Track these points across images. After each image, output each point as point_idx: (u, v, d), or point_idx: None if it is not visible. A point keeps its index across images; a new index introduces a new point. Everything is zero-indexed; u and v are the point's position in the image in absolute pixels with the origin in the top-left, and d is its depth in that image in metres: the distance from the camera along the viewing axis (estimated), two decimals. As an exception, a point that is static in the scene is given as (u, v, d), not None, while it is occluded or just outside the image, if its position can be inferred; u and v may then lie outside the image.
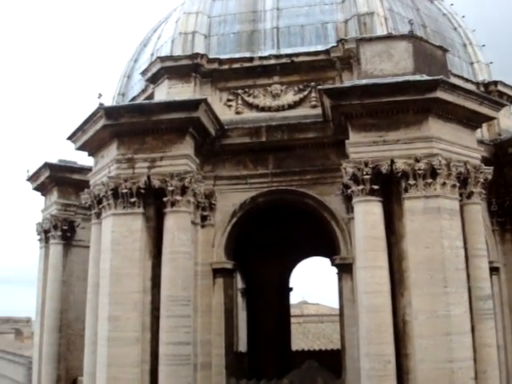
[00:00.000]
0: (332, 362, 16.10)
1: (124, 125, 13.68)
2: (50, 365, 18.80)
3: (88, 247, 16.00)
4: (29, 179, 21.07)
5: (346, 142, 13.16)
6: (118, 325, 13.12)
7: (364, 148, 12.89)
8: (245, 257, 19.27)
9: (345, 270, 14.28)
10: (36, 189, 21.10)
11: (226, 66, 15.76)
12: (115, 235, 13.65)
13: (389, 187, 12.84)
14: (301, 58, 15.59)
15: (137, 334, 13.05)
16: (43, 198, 21.21)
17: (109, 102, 17.87)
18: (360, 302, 12.57)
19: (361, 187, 12.65)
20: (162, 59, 15.60)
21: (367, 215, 12.69)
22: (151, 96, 16.47)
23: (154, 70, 15.91)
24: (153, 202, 13.78)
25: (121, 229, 13.65)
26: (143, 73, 16.81)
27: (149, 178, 13.56)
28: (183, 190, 13.41)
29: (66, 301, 19.08)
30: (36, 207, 20.95)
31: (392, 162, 12.49)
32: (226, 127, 14.85)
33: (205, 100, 13.60)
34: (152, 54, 18.08)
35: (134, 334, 13.04)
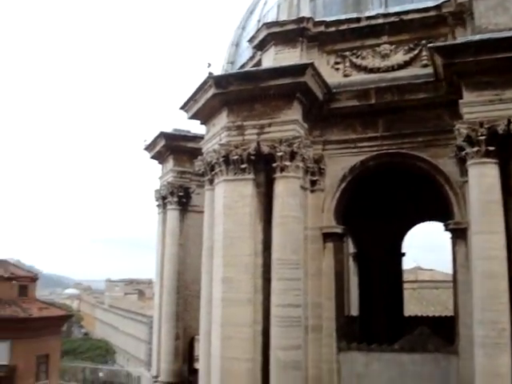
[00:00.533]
0: (445, 328, 15.75)
1: (233, 93, 13.95)
2: (169, 324, 19.93)
3: (202, 212, 16.62)
4: (146, 148, 22.14)
5: (460, 101, 12.60)
6: (231, 286, 13.63)
7: (479, 108, 12.30)
8: (355, 221, 19.16)
9: (459, 235, 13.80)
10: (153, 157, 22.14)
11: (332, 29, 15.50)
12: (227, 200, 14.10)
13: (505, 148, 12.22)
14: (410, 16, 14.97)
15: (249, 296, 13.49)
16: (160, 166, 22.24)
17: (218, 70, 18.21)
18: (474, 268, 12.17)
19: (475, 149, 12.14)
20: (268, 25, 15.63)
21: (482, 178, 12.17)
22: (259, 63, 16.60)
23: (260, 36, 15.99)
24: (262, 167, 14.02)
25: (232, 194, 14.07)
26: (250, 40, 16.94)
27: (258, 144, 13.80)
28: (292, 156, 13.52)
29: (183, 263, 20.06)
30: (154, 175, 21.94)
31: (509, 121, 11.85)
32: (333, 91, 14.70)
33: (311, 64, 13.53)
34: (259, 21, 18.12)
35: (247, 296, 13.49)
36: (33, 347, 31.37)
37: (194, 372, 19.51)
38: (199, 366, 15.76)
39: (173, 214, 20.30)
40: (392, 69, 14.97)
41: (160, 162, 22.11)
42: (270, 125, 13.87)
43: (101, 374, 37.66)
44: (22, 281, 34.29)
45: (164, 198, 20.83)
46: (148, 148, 21.93)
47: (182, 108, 16.25)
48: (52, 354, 33.58)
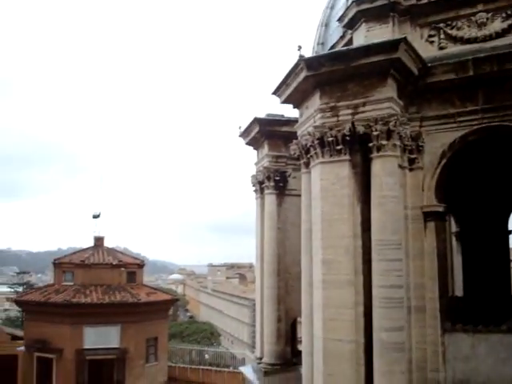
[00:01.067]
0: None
1: (325, 74, 13.82)
2: (270, 306, 20.23)
3: (299, 195, 16.67)
4: (241, 135, 22.45)
5: None
6: (332, 268, 13.63)
7: None
8: (457, 199, 18.56)
9: None
10: (248, 144, 22.42)
11: (424, 0, 14.98)
12: (324, 183, 14.06)
13: None
14: (508, -20, 14.20)
15: (349, 277, 13.44)
16: (255, 151, 22.50)
17: (309, 53, 18.10)
18: None
19: None
20: (358, 2, 15.31)
21: None
22: (350, 42, 16.33)
23: (350, 14, 15.71)
24: (358, 148, 13.83)
25: (329, 176, 14.01)
26: (340, 19, 16.69)
27: (353, 124, 13.64)
28: (388, 134, 13.25)
29: (282, 246, 20.25)
30: (249, 161, 22.27)
31: None
32: (429, 65, 14.21)
33: (404, 39, 13.14)
34: (347, -1, 17.85)
35: (347, 277, 13.45)
36: (142, 330, 32.82)
37: (297, 353, 19.74)
38: (302, 347, 15.92)
39: (270, 198, 20.51)
40: (490, 38, 14.26)
41: (255, 148, 22.36)
42: (364, 104, 13.65)
43: (206, 356, 38.85)
44: (130, 267, 35.86)
45: (261, 182, 21.07)
46: (243, 134, 22.23)
47: (274, 93, 16.31)
48: (160, 336, 35.00)
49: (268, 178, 20.42)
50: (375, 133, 13.25)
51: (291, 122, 18.65)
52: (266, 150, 20.83)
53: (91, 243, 38.43)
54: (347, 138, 13.65)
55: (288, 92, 15.49)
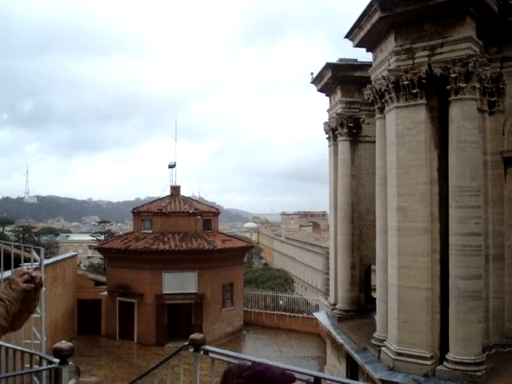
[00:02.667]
0: None
1: (400, 15, 13.30)
2: (344, 253, 20.25)
3: (373, 142, 16.38)
4: (313, 81, 22.09)
5: None
6: (407, 215, 13.42)
7: None
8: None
9: None
10: (320, 90, 22.06)
11: None
12: (399, 128, 13.72)
13: None
14: None
15: (426, 225, 13.21)
16: (327, 98, 22.13)
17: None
18: None
19: None
20: None
21: None
22: (427, -21, 15.58)
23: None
24: (435, 91, 13.34)
25: (404, 121, 13.64)
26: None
27: (429, 66, 13.13)
28: (467, 76, 12.68)
29: (355, 194, 20.08)
30: (321, 108, 21.97)
31: None
32: (510, 2, 13.41)
33: (486, -26, 12.42)
34: None
35: (423, 224, 13.22)
36: (218, 276, 33.59)
37: (371, 300, 19.80)
38: (376, 294, 15.92)
39: (344, 145, 20.24)
40: None
41: (327, 94, 21.99)
42: (441, 45, 13.07)
43: (281, 302, 39.52)
44: (206, 215, 36.51)
45: (334, 129, 20.80)
46: (315, 81, 21.87)
47: (346, 36, 15.88)
48: (236, 282, 35.79)
49: (341, 125, 20.11)
50: (453, 75, 12.71)
51: (364, 66, 18.17)
52: (338, 95, 20.45)
53: (166, 193, 39.40)
54: (423, 81, 13.18)
55: (361, 35, 15.04)
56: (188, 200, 38.46)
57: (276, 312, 37.66)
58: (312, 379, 4.07)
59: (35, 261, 10.18)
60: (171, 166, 39.34)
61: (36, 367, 5.55)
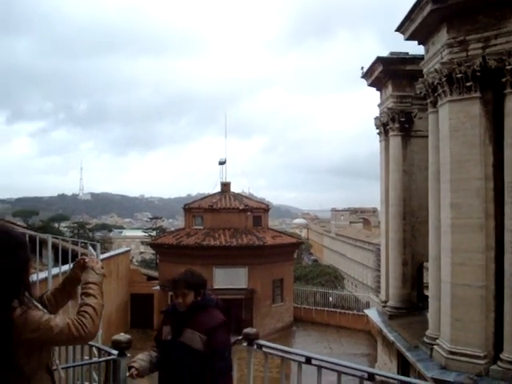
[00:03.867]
0: None
1: (452, 6, 13.00)
2: (396, 250, 19.98)
3: (426, 137, 16.08)
4: (363, 76, 21.85)
5: None
6: (461, 211, 13.13)
7: None
8: None
9: None
10: (371, 85, 21.80)
11: None
12: (453, 122, 13.42)
13: None
14: None
15: (480, 221, 12.89)
16: (378, 92, 21.86)
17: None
18: None
19: None
20: None
21: None
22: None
23: None
24: (489, 84, 12.99)
25: (458, 115, 13.34)
26: None
27: (484, 58, 12.79)
28: (523, 68, 12.30)
29: (407, 189, 19.76)
30: (370, 103, 21.74)
31: None
32: None
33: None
34: None
35: (478, 221, 12.91)
36: (268, 272, 33.66)
37: (423, 298, 19.49)
38: (428, 291, 15.65)
39: (395, 140, 19.95)
40: None
41: (378, 89, 21.72)
42: (495, 36, 12.70)
43: (330, 299, 39.27)
44: (256, 212, 36.62)
45: (385, 124, 20.52)
46: (366, 75, 21.63)
47: (397, 30, 15.63)
48: (286, 278, 35.78)
49: (392, 120, 19.83)
50: (508, 67, 12.34)
51: (416, 59, 17.84)
52: (389, 90, 20.16)
53: (216, 190, 39.72)
54: (477, 73, 12.85)
55: (412, 28, 14.78)
56: (238, 196, 38.67)
57: (326, 308, 37.49)
58: (366, 375, 4.07)
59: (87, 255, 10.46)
60: (221, 163, 39.62)
61: (95, 359, 5.71)
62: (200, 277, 5.22)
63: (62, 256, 9.10)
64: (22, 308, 2.89)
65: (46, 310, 3.12)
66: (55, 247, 9.63)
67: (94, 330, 3.08)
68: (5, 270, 2.87)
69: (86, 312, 3.09)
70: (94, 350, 5.90)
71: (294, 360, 5.04)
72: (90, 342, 5.57)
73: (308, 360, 4.75)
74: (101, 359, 5.54)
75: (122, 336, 5.47)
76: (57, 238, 9.87)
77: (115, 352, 5.30)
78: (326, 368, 4.53)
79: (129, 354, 5.32)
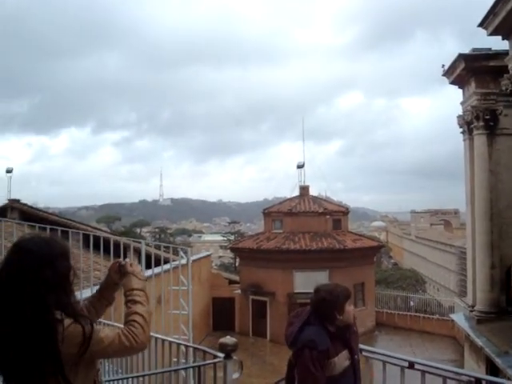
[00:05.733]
0: None
1: (541, -2, 12.55)
2: (482, 253, 19.31)
3: (512, 135, 15.56)
4: (444, 74, 21.31)
5: None
6: (553, 211, 12.63)
7: None
8: None
9: None
10: (453, 82, 21.23)
11: None
12: (541, 119, 12.94)
13: None
14: None
15: None
16: (460, 90, 21.27)
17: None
18: None
19: None
20: None
21: None
22: None
23: None
24: None
25: (547, 111, 12.85)
26: None
27: None
28: None
29: (494, 190, 19.09)
30: (450, 102, 21.25)
31: None
32: None
33: None
34: None
35: None
36: (349, 276, 33.28)
37: (512, 302, 18.77)
38: (520, 295, 15.09)
39: (480, 139, 19.34)
40: None
41: (460, 87, 21.12)
42: None
43: (412, 303, 38.47)
44: (335, 215, 36.44)
45: (469, 123, 19.94)
46: (447, 73, 21.09)
47: (480, 25, 15.19)
48: (367, 282, 35.37)
49: (476, 118, 19.24)
50: None
51: (500, 55, 17.22)
52: (472, 87, 19.58)
53: (294, 193, 39.84)
54: None
55: (496, 22, 14.33)
56: (317, 200, 38.63)
57: (409, 313, 36.76)
58: (473, 380, 4.01)
59: (173, 260, 10.77)
60: (300, 167, 39.76)
61: (200, 361, 5.89)
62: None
63: (146, 260, 9.42)
64: (68, 320, 2.78)
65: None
66: (138, 252, 9.98)
67: (145, 339, 2.96)
68: (45, 280, 2.78)
69: (135, 321, 2.96)
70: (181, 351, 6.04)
71: (396, 365, 4.99)
72: (196, 345, 5.75)
73: (411, 365, 4.69)
74: (207, 362, 5.71)
75: (229, 339, 5.62)
76: (149, 246, 10.25)
77: (221, 355, 5.43)
78: (430, 373, 4.47)
79: (235, 357, 5.45)
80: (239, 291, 35.70)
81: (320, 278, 32.77)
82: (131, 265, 3.32)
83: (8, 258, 2.89)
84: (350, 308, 4.52)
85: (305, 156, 42.28)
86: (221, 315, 35.42)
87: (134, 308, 3.04)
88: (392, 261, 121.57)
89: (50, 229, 8.14)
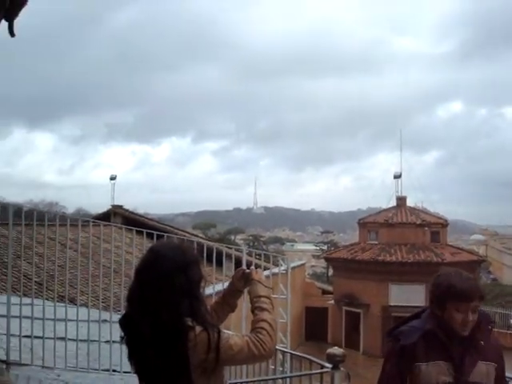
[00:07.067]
0: None
1: None
2: None
3: None
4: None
5: None
6: None
7: None
8: None
9: None
10: None
11: None
12: None
13: None
14: None
15: None
16: None
17: None
18: None
19: None
20: None
21: None
22: None
23: None
24: None
25: None
26: None
27: None
28: None
29: None
30: None
31: None
32: None
33: None
34: None
35: None
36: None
37: None
38: None
39: None
40: None
41: None
42: None
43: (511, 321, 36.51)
44: (434, 227, 35.36)
45: None
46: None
47: None
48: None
49: None
50: None
51: None
52: None
53: (390, 204, 39.03)
54: None
55: None
56: (414, 211, 37.68)
57: (509, 331, 34.98)
58: None
59: (266, 268, 10.84)
60: (397, 177, 38.99)
61: (306, 371, 5.91)
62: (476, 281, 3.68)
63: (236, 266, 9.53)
64: (199, 327, 2.79)
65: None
66: (236, 260, 10.07)
67: (272, 346, 2.95)
68: (180, 286, 2.83)
69: (262, 328, 2.94)
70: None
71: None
72: (303, 354, 5.77)
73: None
74: (314, 371, 5.71)
75: (337, 350, 5.61)
76: (250, 256, 10.35)
77: (329, 365, 5.42)
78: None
79: (342, 368, 5.42)
80: (332, 302, 35.39)
81: (417, 291, 31.88)
82: (256, 272, 3.32)
83: (144, 261, 2.99)
84: (457, 315, 3.33)
85: (402, 166, 41.15)
86: (313, 325, 35.20)
87: (262, 315, 3.03)
88: (491, 276, 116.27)
89: (148, 233, 8.40)
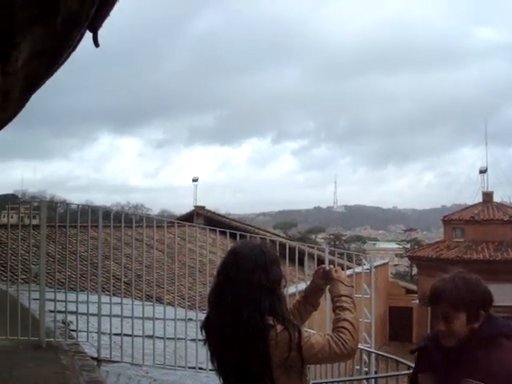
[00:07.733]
0: None
1: None
2: None
3: None
4: None
5: None
6: None
7: None
8: None
9: None
10: None
11: None
12: None
13: None
14: None
15: None
16: None
17: None
18: None
19: None
20: None
21: None
22: None
23: None
24: None
25: None
26: None
27: None
28: None
29: None
30: None
31: None
32: None
33: None
34: None
35: None
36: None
37: None
38: None
39: None
40: None
41: None
42: None
43: None
44: (525, 223, 33.95)
45: None
46: None
47: None
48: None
49: None
50: None
51: None
52: None
53: (476, 200, 37.71)
54: None
55: None
56: (502, 207, 36.24)
57: None
58: None
59: (348, 267, 10.76)
60: (482, 172, 37.65)
61: (393, 372, 5.89)
62: (478, 287, 3.05)
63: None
64: (279, 326, 2.81)
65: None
66: (318, 259, 10.07)
67: (354, 346, 2.93)
68: (260, 285, 2.85)
69: (344, 328, 2.92)
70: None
71: None
72: (389, 355, 5.74)
73: None
74: (402, 372, 5.68)
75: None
76: (333, 255, 10.33)
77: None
78: None
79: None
80: (417, 301, 34.61)
81: (505, 290, 30.69)
82: (336, 271, 3.31)
83: (225, 261, 3.06)
84: (435, 322, 3.00)
85: (487, 160, 39.63)
86: (397, 325, 34.58)
87: (343, 314, 3.02)
88: None
89: (230, 234, 8.52)
